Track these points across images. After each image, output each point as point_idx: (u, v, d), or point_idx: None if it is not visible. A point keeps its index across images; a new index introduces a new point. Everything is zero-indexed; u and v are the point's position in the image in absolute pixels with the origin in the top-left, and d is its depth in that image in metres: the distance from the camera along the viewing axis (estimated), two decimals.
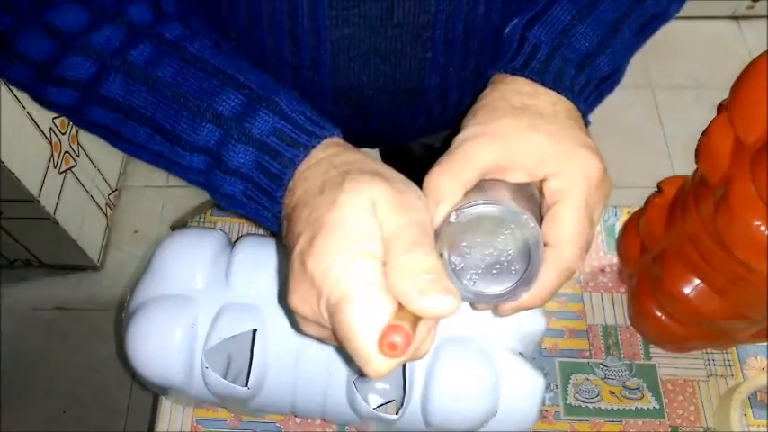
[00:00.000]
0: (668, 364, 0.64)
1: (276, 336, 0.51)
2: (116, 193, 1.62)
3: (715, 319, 0.56)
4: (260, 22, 0.47)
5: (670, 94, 1.80)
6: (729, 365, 0.64)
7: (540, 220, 0.40)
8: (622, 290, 0.68)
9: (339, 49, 0.48)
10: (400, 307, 0.31)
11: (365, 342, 0.30)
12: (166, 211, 1.61)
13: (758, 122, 0.45)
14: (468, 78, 0.55)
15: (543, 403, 0.54)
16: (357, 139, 0.57)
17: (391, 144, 0.72)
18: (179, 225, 0.67)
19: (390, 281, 0.31)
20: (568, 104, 0.43)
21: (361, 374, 0.34)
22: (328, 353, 0.52)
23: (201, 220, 0.71)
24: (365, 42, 0.48)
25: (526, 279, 0.38)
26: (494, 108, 0.41)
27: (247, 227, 0.71)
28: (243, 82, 0.40)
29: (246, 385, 0.51)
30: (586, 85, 0.45)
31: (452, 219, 0.36)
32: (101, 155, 1.51)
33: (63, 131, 1.36)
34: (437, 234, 0.36)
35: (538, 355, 0.64)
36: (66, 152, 1.37)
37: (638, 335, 0.65)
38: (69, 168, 1.38)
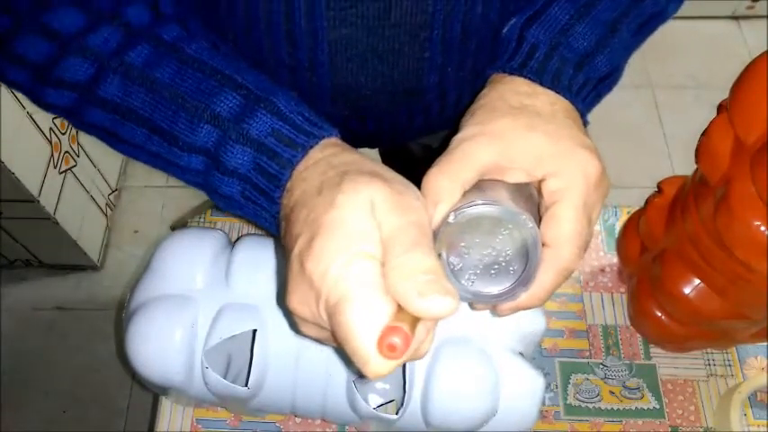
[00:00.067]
0: (668, 364, 0.64)
1: (276, 336, 0.51)
2: (116, 193, 1.62)
3: (715, 319, 0.56)
4: (257, 23, 0.47)
5: (670, 94, 1.80)
6: (729, 365, 0.64)
7: (539, 219, 0.40)
8: (622, 290, 0.68)
9: (337, 49, 0.48)
10: (399, 308, 0.31)
11: (364, 343, 0.30)
12: (166, 211, 1.62)
13: (758, 122, 0.45)
14: (466, 78, 0.55)
15: (543, 403, 0.54)
16: (355, 140, 0.57)
17: (390, 144, 0.72)
18: (179, 225, 0.67)
19: (389, 282, 0.31)
20: (567, 104, 0.43)
21: (361, 375, 0.34)
22: (328, 353, 0.52)
23: (201, 220, 0.71)
24: (363, 43, 0.48)
25: (524, 279, 0.38)
26: (492, 108, 0.41)
27: (247, 227, 0.71)
28: (241, 83, 0.40)
29: (246, 385, 0.51)
30: (584, 84, 0.45)
31: (451, 219, 0.36)
32: (101, 155, 1.51)
33: (63, 131, 1.36)
34: (435, 234, 0.36)
35: (538, 355, 0.64)
36: (66, 152, 1.37)
37: (638, 335, 0.65)
38: (69, 168, 1.38)
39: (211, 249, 0.55)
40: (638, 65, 1.81)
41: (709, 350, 0.64)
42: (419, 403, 0.51)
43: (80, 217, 1.43)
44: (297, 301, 0.33)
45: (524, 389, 0.51)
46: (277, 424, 0.60)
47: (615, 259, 0.69)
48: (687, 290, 0.56)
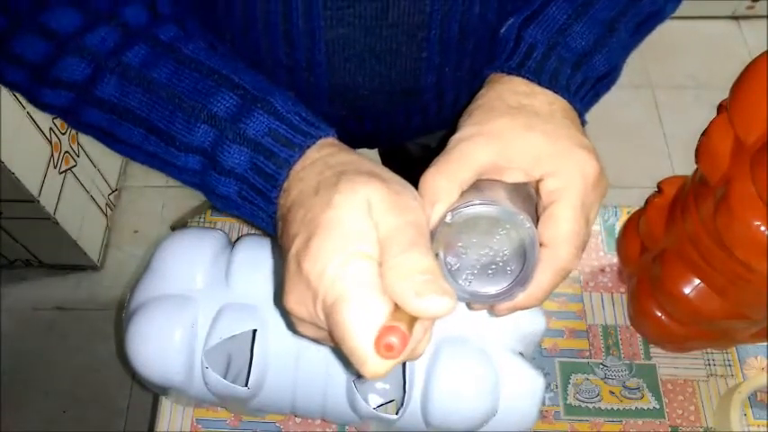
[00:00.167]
0: (668, 364, 0.64)
1: (276, 336, 0.51)
2: (116, 193, 1.62)
3: (715, 319, 0.56)
4: (255, 23, 0.47)
5: (670, 94, 1.80)
6: (729, 365, 0.64)
7: (537, 219, 0.39)
8: (622, 290, 0.68)
9: (334, 49, 0.48)
10: (396, 308, 0.31)
11: (361, 343, 0.30)
12: (166, 211, 1.62)
13: (758, 122, 0.45)
14: (464, 78, 0.55)
15: (543, 403, 0.54)
16: (353, 140, 0.57)
17: (388, 144, 0.72)
18: (179, 225, 0.67)
19: (386, 282, 0.31)
20: (565, 104, 0.43)
21: (359, 375, 0.34)
22: (328, 353, 0.52)
23: (201, 220, 0.71)
24: (360, 42, 0.48)
25: (522, 279, 0.38)
26: (490, 108, 0.41)
27: (247, 227, 0.71)
28: (238, 83, 0.40)
29: (246, 385, 0.51)
30: (582, 84, 0.44)
31: (448, 219, 0.36)
32: (101, 155, 1.51)
33: (63, 131, 1.36)
34: (433, 234, 0.36)
35: (538, 355, 0.64)
36: (66, 152, 1.37)
37: (638, 335, 0.65)
38: (69, 168, 1.38)
39: (211, 249, 0.55)
40: (638, 65, 1.82)
41: (709, 350, 0.64)
42: (419, 403, 0.51)
43: (80, 217, 1.43)
44: (294, 301, 0.33)
45: (524, 389, 0.51)
46: (277, 424, 0.60)
47: (615, 259, 0.69)
48: (687, 290, 0.56)
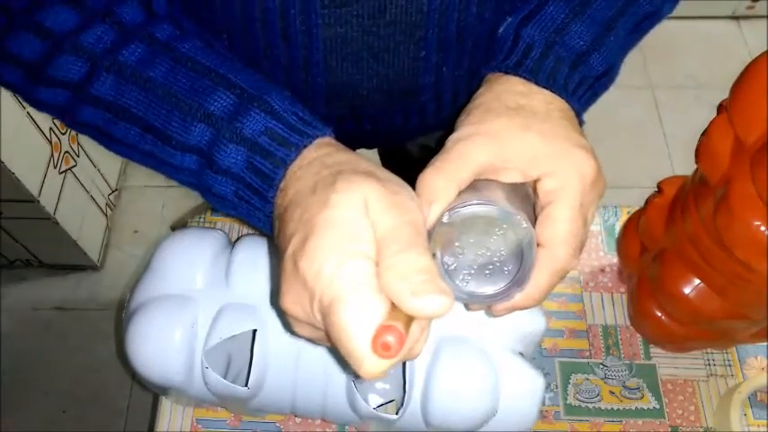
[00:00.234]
0: (668, 364, 0.63)
1: (276, 336, 0.51)
2: (116, 193, 1.62)
3: (715, 319, 0.56)
4: (252, 21, 0.47)
5: (670, 94, 1.80)
6: (729, 365, 0.64)
7: (535, 220, 0.39)
8: (622, 290, 0.68)
9: (332, 48, 0.48)
10: (393, 307, 0.31)
11: (358, 343, 0.30)
12: (166, 211, 1.62)
13: (758, 122, 0.45)
14: (462, 78, 0.55)
15: (543, 403, 0.54)
16: (351, 140, 0.57)
17: (386, 145, 0.72)
18: (179, 225, 0.67)
19: (383, 281, 0.31)
20: (562, 103, 0.43)
21: (357, 376, 0.33)
22: (328, 353, 0.52)
23: (201, 220, 0.71)
24: (358, 41, 0.48)
25: (519, 279, 0.38)
26: (488, 108, 0.41)
27: (247, 227, 0.71)
28: (234, 82, 0.40)
29: (246, 385, 0.51)
30: (580, 83, 0.44)
31: (445, 219, 0.36)
32: (101, 155, 1.51)
33: (63, 131, 1.36)
34: (430, 234, 0.36)
35: (538, 355, 0.64)
36: (66, 152, 1.37)
37: (638, 335, 0.65)
38: (69, 168, 1.38)
39: (211, 249, 0.55)
40: (638, 65, 1.81)
41: (709, 350, 0.64)
42: (419, 403, 0.51)
43: (80, 217, 1.43)
44: (290, 301, 0.33)
45: (524, 389, 0.51)
46: (277, 424, 0.60)
47: (615, 259, 0.69)
48: (687, 290, 0.56)
